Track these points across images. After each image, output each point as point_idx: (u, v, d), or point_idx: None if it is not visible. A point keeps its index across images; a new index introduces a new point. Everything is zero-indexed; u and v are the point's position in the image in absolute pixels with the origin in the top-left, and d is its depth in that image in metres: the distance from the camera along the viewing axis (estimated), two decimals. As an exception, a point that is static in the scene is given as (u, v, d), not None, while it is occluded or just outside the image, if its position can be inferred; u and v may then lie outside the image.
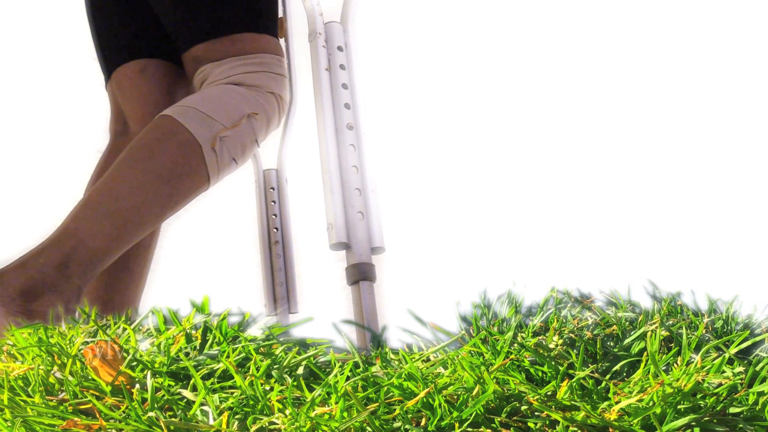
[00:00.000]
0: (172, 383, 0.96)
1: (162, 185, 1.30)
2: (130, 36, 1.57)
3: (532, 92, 2.76)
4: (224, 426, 0.83)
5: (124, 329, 1.13)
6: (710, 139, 2.71)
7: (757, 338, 1.08)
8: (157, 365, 0.99)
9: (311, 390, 0.93)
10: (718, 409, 0.85)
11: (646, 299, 1.43)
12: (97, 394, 0.93)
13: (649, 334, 1.08)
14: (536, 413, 0.85)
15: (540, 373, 0.97)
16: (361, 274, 1.32)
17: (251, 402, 0.87)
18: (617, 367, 1.02)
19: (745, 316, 1.33)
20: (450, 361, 0.96)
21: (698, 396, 0.86)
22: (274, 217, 2.21)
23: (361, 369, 0.98)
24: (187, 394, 0.91)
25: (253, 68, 1.42)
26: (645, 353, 0.97)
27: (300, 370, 0.99)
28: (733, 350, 1.01)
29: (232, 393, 0.91)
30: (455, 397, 0.87)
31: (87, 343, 1.04)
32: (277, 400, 0.87)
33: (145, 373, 0.97)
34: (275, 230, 2.20)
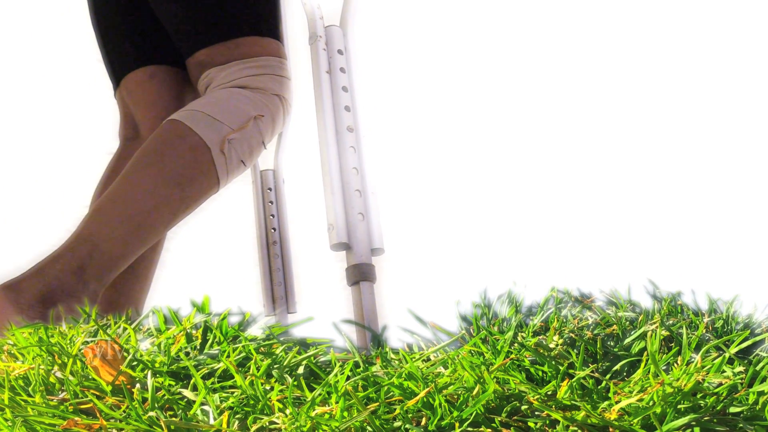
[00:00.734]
0: (173, 383, 0.96)
1: (173, 188, 1.32)
2: (138, 43, 1.59)
3: (531, 94, 2.76)
4: (224, 426, 0.83)
5: (125, 329, 1.13)
6: (710, 139, 2.71)
7: (758, 338, 1.08)
8: (157, 365, 0.99)
9: (311, 390, 0.93)
10: (718, 408, 0.85)
11: (647, 299, 1.44)
12: (97, 393, 0.93)
13: (649, 333, 1.08)
14: (536, 413, 0.85)
15: (540, 373, 0.97)
16: (361, 275, 1.33)
17: (252, 402, 0.87)
18: (617, 366, 1.02)
19: (745, 316, 1.33)
20: (450, 361, 0.96)
21: (698, 396, 0.86)
22: (271, 217, 2.22)
23: (361, 369, 0.99)
24: (187, 393, 0.91)
25: (257, 71, 1.44)
26: (645, 353, 0.97)
27: (300, 370, 0.99)
28: (733, 350, 1.01)
29: (233, 393, 0.91)
30: (455, 396, 0.87)
31: (87, 342, 1.04)
32: (278, 400, 0.87)
33: (145, 372, 0.97)
34: (273, 230, 2.21)
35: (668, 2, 2.83)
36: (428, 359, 1.04)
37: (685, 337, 1.00)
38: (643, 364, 0.93)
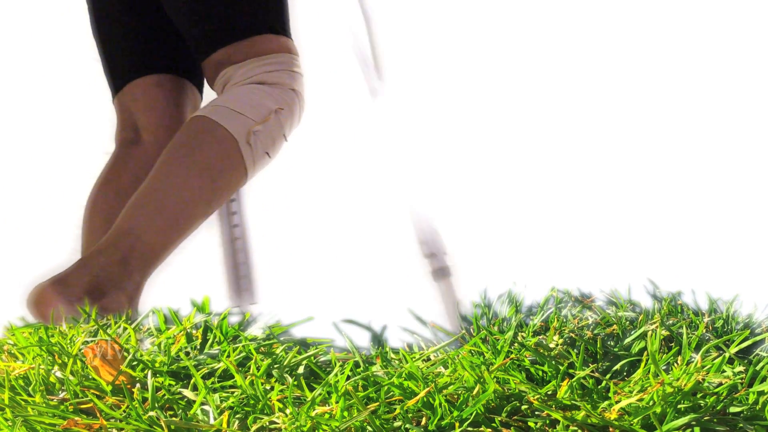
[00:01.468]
0: (173, 383, 0.96)
1: (207, 180, 1.36)
2: (143, 51, 1.62)
3: (531, 93, 2.76)
4: (225, 425, 0.83)
5: (125, 329, 1.13)
6: (710, 139, 2.71)
7: (758, 338, 1.08)
8: (157, 365, 0.99)
9: (312, 389, 0.93)
10: (718, 408, 0.85)
11: (647, 299, 1.44)
12: (97, 393, 0.93)
13: (649, 333, 1.08)
14: (536, 413, 0.85)
15: (540, 373, 0.97)
16: (445, 274, 1.52)
17: (252, 401, 0.87)
18: (617, 366, 1.02)
19: (746, 316, 1.33)
20: (450, 361, 0.96)
21: (698, 395, 0.86)
22: (233, 215, 2.27)
23: (361, 368, 0.99)
24: (187, 393, 0.91)
25: (273, 67, 1.48)
26: (645, 353, 0.97)
27: (300, 370, 0.99)
28: (733, 350, 1.01)
29: (233, 392, 0.91)
30: (455, 396, 0.87)
31: (87, 342, 1.04)
32: (278, 400, 0.87)
33: (145, 372, 0.97)
34: (235, 227, 2.25)
35: (669, 2, 2.83)
36: (428, 359, 1.04)
37: (685, 336, 1.00)
38: (643, 364, 0.93)
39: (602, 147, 2.71)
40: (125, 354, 0.99)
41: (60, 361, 1.02)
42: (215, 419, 0.85)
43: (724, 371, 0.92)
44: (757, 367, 0.93)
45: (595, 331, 1.20)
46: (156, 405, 0.87)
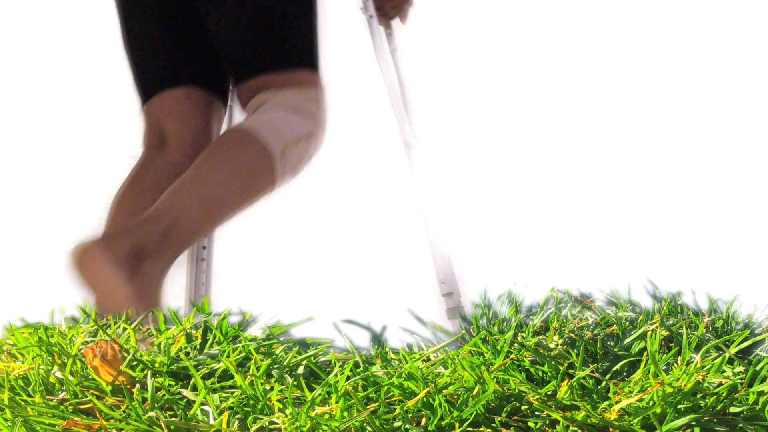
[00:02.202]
0: (173, 383, 0.96)
1: (243, 184, 1.49)
2: (177, 64, 1.72)
3: (531, 93, 2.76)
4: (224, 426, 0.83)
5: (124, 329, 1.13)
6: (710, 140, 2.71)
7: (757, 338, 1.08)
8: (157, 365, 0.99)
9: (311, 390, 0.93)
10: (718, 408, 0.85)
11: (646, 299, 1.44)
12: (97, 393, 0.93)
13: (649, 333, 1.08)
14: (536, 413, 0.85)
15: (540, 373, 0.97)
16: (459, 312, 1.66)
17: (251, 402, 0.87)
18: (617, 366, 1.02)
19: (745, 316, 1.33)
20: (450, 361, 0.96)
21: (698, 396, 0.86)
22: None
23: (361, 369, 0.99)
24: (187, 393, 0.91)
25: (307, 99, 1.61)
26: (645, 353, 0.97)
27: (300, 370, 0.99)
28: (733, 350, 1.01)
29: (233, 393, 0.91)
30: (455, 396, 0.87)
31: (87, 342, 1.04)
32: (278, 400, 0.87)
33: (145, 372, 0.97)
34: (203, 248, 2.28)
35: (671, 2, 2.83)
36: (428, 359, 1.04)
37: (685, 337, 1.00)
38: (643, 364, 0.93)
39: (602, 148, 2.72)
40: (125, 354, 0.99)
41: (60, 362, 1.02)
42: (215, 419, 0.85)
43: (724, 371, 0.92)
44: (757, 368, 0.93)
45: (595, 332, 1.20)
46: (156, 405, 0.87)
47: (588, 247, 2.40)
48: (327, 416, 0.82)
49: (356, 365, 1.01)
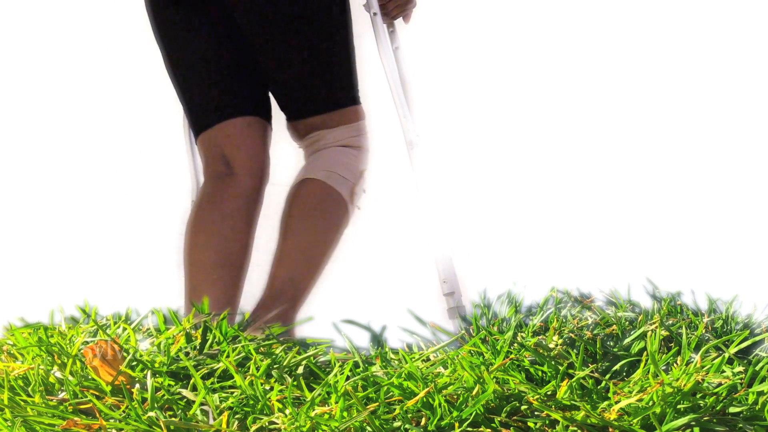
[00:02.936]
0: (172, 383, 0.96)
1: (334, 236, 1.74)
2: (237, 93, 1.84)
3: (532, 94, 2.76)
4: (224, 426, 0.83)
5: (124, 329, 1.13)
6: (710, 140, 2.71)
7: (757, 338, 1.08)
8: (157, 365, 0.99)
9: (311, 390, 0.93)
10: (717, 408, 0.85)
11: (646, 299, 1.44)
12: (97, 393, 0.93)
13: (648, 333, 1.08)
14: (536, 413, 0.85)
15: (540, 373, 0.97)
16: (460, 312, 1.70)
17: (251, 402, 0.87)
18: (617, 366, 1.02)
19: (745, 316, 1.33)
20: (450, 361, 0.96)
21: (698, 395, 0.86)
22: None
23: (361, 369, 0.99)
24: (187, 393, 0.91)
25: (357, 133, 1.82)
26: (645, 353, 0.97)
27: (300, 370, 0.99)
28: (732, 350, 1.01)
29: (232, 393, 0.91)
30: (455, 396, 0.87)
31: (87, 342, 1.04)
32: (277, 400, 0.87)
33: (145, 372, 0.97)
34: None
35: (671, 2, 2.83)
36: (428, 359, 1.04)
37: (684, 337, 1.00)
38: (642, 364, 0.93)
39: (602, 148, 2.71)
40: (125, 354, 0.99)
41: (59, 362, 1.02)
42: (215, 419, 0.85)
43: (723, 371, 0.92)
44: (757, 368, 0.93)
45: (595, 332, 1.20)
46: (155, 405, 0.87)
47: (588, 247, 2.40)
48: (327, 416, 0.82)
49: (356, 365, 1.01)
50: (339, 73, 1.82)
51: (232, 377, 0.94)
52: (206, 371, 0.97)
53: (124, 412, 0.87)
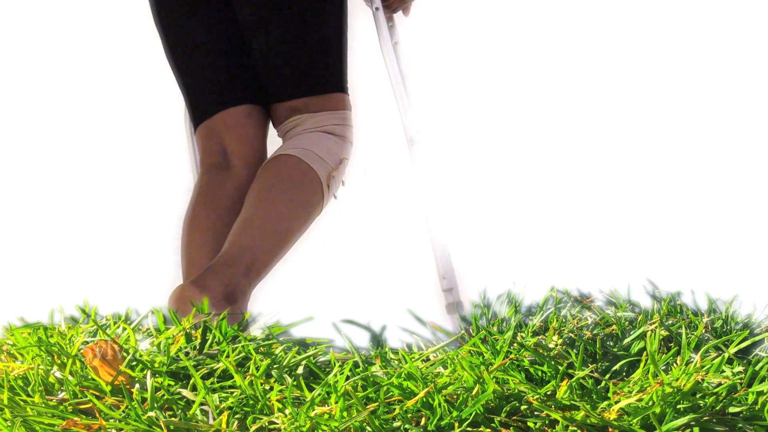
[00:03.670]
0: (172, 383, 0.96)
1: (302, 211, 1.64)
2: (234, 83, 1.80)
3: (533, 93, 2.76)
4: (224, 426, 0.83)
5: (124, 329, 1.13)
6: (710, 139, 2.71)
7: (757, 338, 1.08)
8: (156, 365, 0.99)
9: (311, 390, 0.93)
10: (717, 408, 0.85)
11: (646, 299, 1.44)
12: (96, 393, 0.93)
13: (648, 333, 1.08)
14: (536, 413, 0.85)
15: (540, 373, 0.97)
16: (458, 308, 1.72)
17: (251, 401, 0.87)
18: (617, 366, 1.03)
19: (745, 316, 1.33)
20: (450, 361, 0.96)
21: (698, 395, 0.86)
22: None
23: (360, 369, 0.99)
24: (186, 393, 0.91)
25: (340, 122, 1.75)
26: (644, 353, 0.98)
27: (300, 370, 0.99)
28: (732, 350, 1.01)
29: (232, 393, 0.91)
30: (455, 396, 0.87)
31: (87, 342, 1.04)
32: (277, 400, 0.87)
33: (144, 372, 0.97)
34: None
35: (671, 2, 2.83)
36: (428, 359, 1.04)
37: (684, 337, 1.00)
38: (642, 364, 0.93)
39: (602, 147, 2.71)
40: (124, 354, 0.99)
41: (59, 362, 1.02)
42: (214, 419, 0.85)
43: (723, 371, 0.92)
44: (756, 368, 0.93)
45: (595, 332, 1.20)
46: (155, 405, 0.87)
47: (588, 247, 2.40)
48: (326, 416, 0.82)
49: (356, 365, 1.01)
50: (328, 58, 1.75)
51: (232, 377, 0.94)
52: (206, 371, 0.97)
53: (123, 412, 0.87)
